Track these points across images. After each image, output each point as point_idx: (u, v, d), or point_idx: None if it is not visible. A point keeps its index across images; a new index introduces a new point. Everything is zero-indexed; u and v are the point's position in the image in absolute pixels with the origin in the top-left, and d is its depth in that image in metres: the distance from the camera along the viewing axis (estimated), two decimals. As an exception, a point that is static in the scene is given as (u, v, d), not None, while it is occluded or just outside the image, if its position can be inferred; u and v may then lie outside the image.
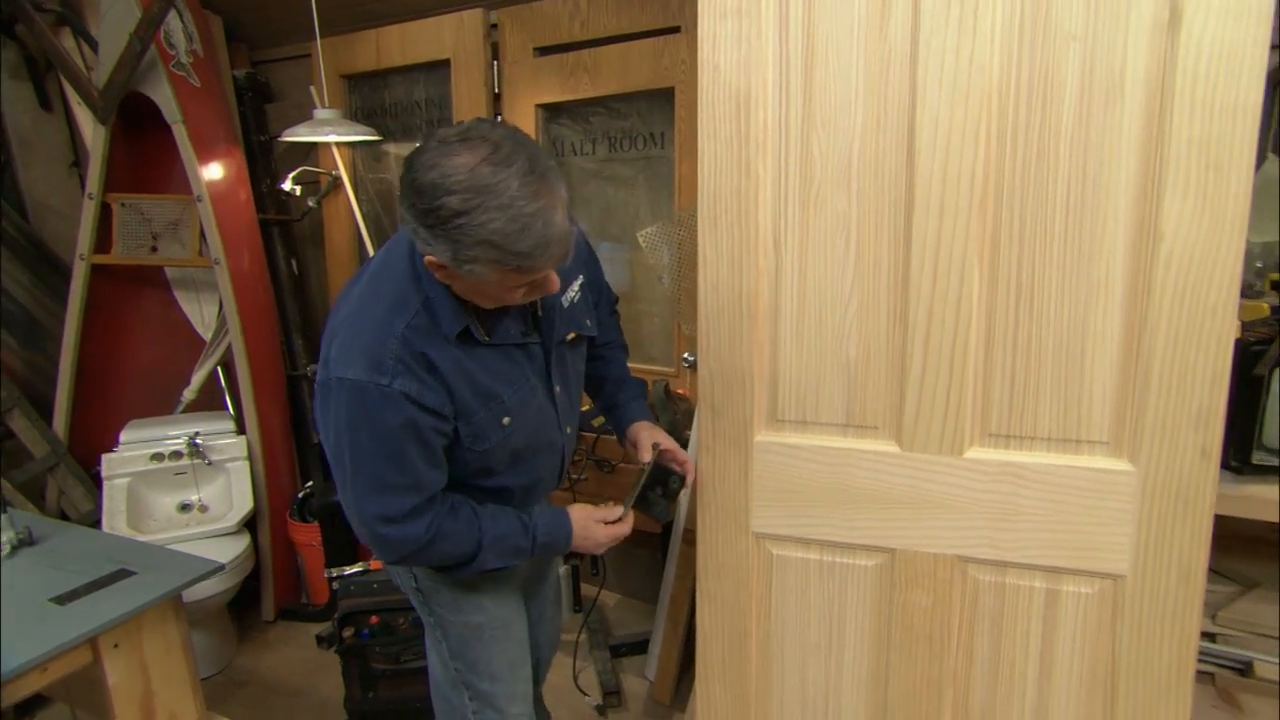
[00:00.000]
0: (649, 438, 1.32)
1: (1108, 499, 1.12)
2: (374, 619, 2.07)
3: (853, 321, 1.21)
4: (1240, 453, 1.37)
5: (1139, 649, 1.15)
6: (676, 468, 1.30)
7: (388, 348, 1.06)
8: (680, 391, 2.31)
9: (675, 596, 2.16)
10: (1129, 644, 1.15)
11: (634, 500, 1.29)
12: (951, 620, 1.23)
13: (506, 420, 1.21)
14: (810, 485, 1.27)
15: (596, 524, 1.26)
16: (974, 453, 1.18)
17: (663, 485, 1.30)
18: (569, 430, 1.36)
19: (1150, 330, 1.06)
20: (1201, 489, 1.08)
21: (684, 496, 2.04)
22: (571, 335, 1.30)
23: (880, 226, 1.16)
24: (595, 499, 2.27)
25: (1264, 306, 1.41)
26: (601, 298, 1.42)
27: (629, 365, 1.49)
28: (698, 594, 1.38)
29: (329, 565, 2.20)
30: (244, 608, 2.69)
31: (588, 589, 2.65)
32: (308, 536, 2.65)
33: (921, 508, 1.21)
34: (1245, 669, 1.50)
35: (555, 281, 1.07)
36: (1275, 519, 1.31)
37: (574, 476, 2.14)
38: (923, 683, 1.27)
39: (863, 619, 1.29)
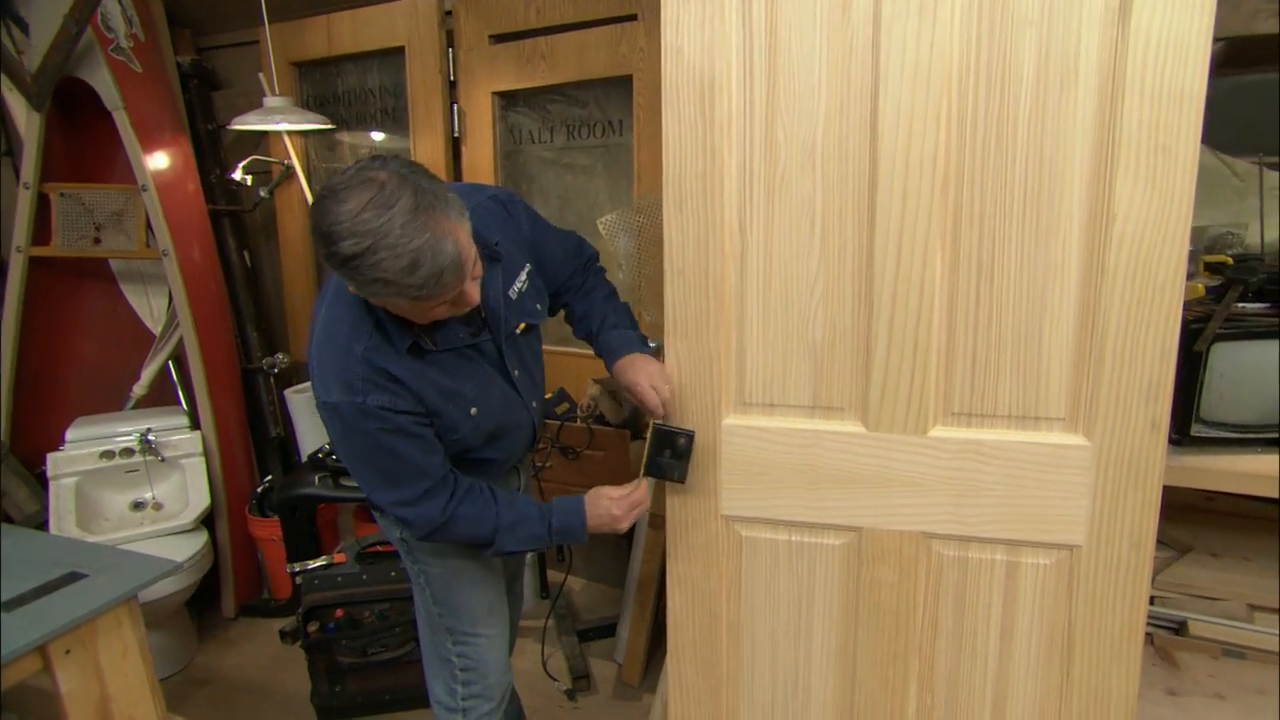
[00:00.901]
0: (637, 381, 1.27)
1: (1064, 473, 1.14)
2: (339, 612, 2.01)
3: (819, 304, 1.20)
4: (1180, 426, 1.41)
5: (1093, 616, 1.17)
6: (681, 427, 1.27)
7: (353, 371, 1.13)
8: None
9: (643, 580, 2.15)
10: (1084, 611, 1.18)
11: (646, 468, 1.28)
12: (917, 595, 1.24)
13: (474, 411, 1.25)
14: (779, 467, 1.26)
15: (609, 499, 1.29)
16: (938, 431, 1.19)
17: (670, 447, 1.27)
18: (534, 404, 1.40)
19: (1104, 308, 1.07)
20: (1151, 460, 1.11)
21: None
22: (522, 326, 1.29)
23: (845, 210, 1.15)
24: (561, 487, 2.23)
25: (1199, 287, 1.44)
26: (563, 267, 1.40)
27: (619, 304, 1.44)
28: (668, 578, 1.37)
29: (290, 560, 2.13)
30: (204, 605, 2.59)
31: (555, 575, 2.62)
32: (268, 531, 2.56)
33: (887, 486, 1.22)
34: (1180, 628, 1.55)
35: (472, 296, 1.11)
36: (1211, 488, 1.35)
37: (539, 465, 2.11)
38: (889, 656, 1.27)
39: (831, 597, 1.29)
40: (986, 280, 1.12)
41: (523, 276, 1.31)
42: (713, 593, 1.34)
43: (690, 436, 1.27)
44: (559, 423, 2.12)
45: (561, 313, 1.49)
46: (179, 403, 2.69)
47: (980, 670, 1.24)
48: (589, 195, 2.53)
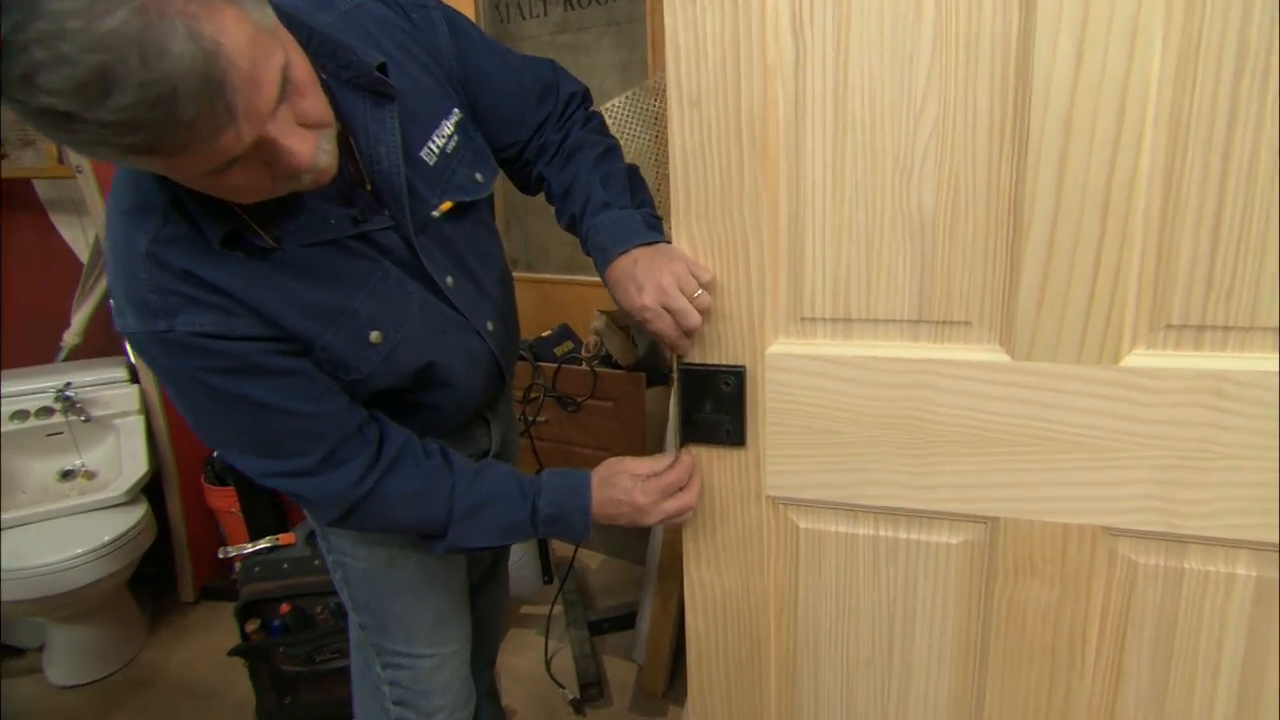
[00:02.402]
0: (641, 300, 0.77)
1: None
2: (285, 607, 1.62)
3: (928, 146, 0.71)
4: None
5: None
6: (722, 363, 0.82)
7: (141, 280, 0.70)
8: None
9: (665, 564, 1.71)
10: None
11: (682, 433, 0.84)
12: (1089, 627, 0.77)
13: (375, 337, 0.80)
14: (859, 421, 0.79)
15: (631, 477, 0.84)
16: (1138, 358, 0.70)
17: (710, 396, 0.82)
18: (492, 326, 0.93)
19: None
20: None
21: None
22: (447, 204, 0.84)
23: (983, -36, 0.65)
24: (557, 448, 1.79)
25: None
26: (524, 114, 0.92)
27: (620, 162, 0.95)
28: (686, 590, 0.92)
29: (253, 534, 1.74)
30: (160, 588, 2.26)
31: (563, 549, 2.21)
32: (226, 502, 2.19)
33: (1044, 451, 0.74)
34: None
35: (297, 152, 0.61)
36: None
37: (530, 419, 1.66)
38: (1039, 718, 0.81)
39: (944, 624, 0.83)
40: (1255, 83, 0.61)
41: (446, 128, 0.85)
42: (754, 612, 0.89)
43: (739, 375, 0.81)
44: (556, 365, 1.66)
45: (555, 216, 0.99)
46: (125, 354, 2.32)
47: (1193, 746, 0.77)
48: (593, 79, 2.04)
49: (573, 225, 0.92)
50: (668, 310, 0.78)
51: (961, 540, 0.80)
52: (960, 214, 0.72)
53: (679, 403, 0.85)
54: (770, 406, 0.82)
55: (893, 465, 0.79)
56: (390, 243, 0.80)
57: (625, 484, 0.84)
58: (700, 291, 0.78)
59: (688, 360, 0.84)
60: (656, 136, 1.82)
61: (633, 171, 0.92)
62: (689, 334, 0.81)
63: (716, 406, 0.83)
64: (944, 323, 0.75)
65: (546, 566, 2.00)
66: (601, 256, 0.85)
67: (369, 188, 0.77)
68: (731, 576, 0.89)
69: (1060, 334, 0.71)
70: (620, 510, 0.84)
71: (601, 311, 1.77)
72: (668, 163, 0.80)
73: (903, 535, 0.82)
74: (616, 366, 1.66)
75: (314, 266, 0.74)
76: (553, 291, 2.19)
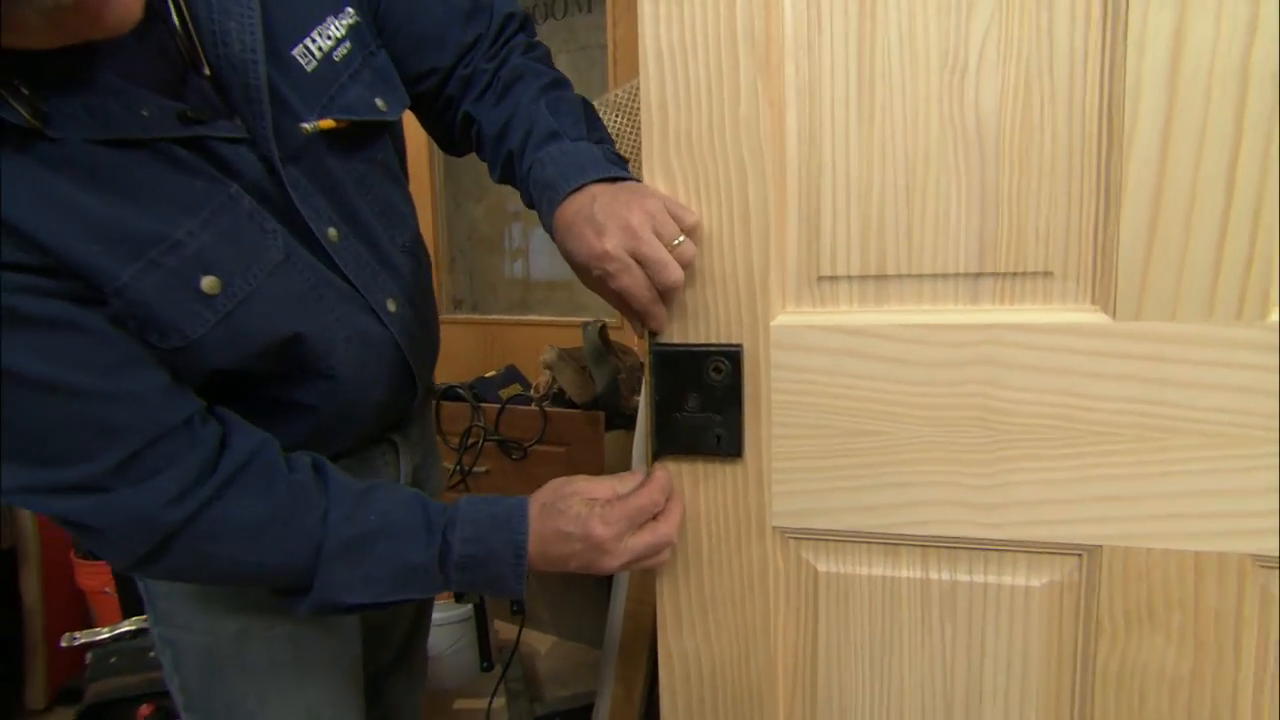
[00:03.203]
0: (603, 246, 0.57)
1: None
2: (145, 709, 1.30)
3: (987, 35, 0.54)
4: None
5: None
6: (712, 343, 0.61)
7: None
8: (623, 342, 1.61)
9: (628, 640, 1.45)
10: None
11: (656, 441, 0.62)
12: (1239, 701, 0.55)
13: (210, 284, 0.56)
14: (898, 416, 0.58)
15: (588, 504, 0.60)
16: (1290, 313, 0.51)
17: (696, 387, 0.61)
18: (394, 306, 0.70)
19: None
20: None
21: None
22: (328, 123, 0.63)
23: None
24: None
25: None
26: (445, 34, 0.73)
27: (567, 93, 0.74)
28: (661, 664, 0.68)
29: (70, 630, 1.42)
30: (4, 690, 1.88)
31: (505, 628, 1.90)
32: (100, 579, 1.85)
33: (1163, 449, 0.54)
34: None
35: None
36: None
37: (466, 469, 1.41)
38: (1163, 840, 0.58)
39: (1022, 703, 0.60)
40: None
41: (335, 29, 0.65)
42: (756, 691, 0.65)
43: (734, 358, 0.61)
44: (499, 405, 1.43)
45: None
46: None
47: None
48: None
49: (509, 168, 0.71)
50: (638, 260, 0.57)
51: (1046, 582, 0.58)
52: (1033, 125, 0.54)
53: (651, 399, 0.63)
54: (777, 401, 0.61)
55: (948, 478, 0.58)
56: (242, 162, 0.58)
57: (577, 510, 0.61)
58: (682, 239, 0.58)
59: (664, 339, 0.63)
60: (620, 153, 1.66)
61: (588, 105, 0.73)
62: (665, 296, 0.60)
63: (703, 402, 0.62)
64: (1015, 275, 0.56)
65: (485, 649, 1.70)
66: (548, 196, 0.64)
67: (208, 75, 0.56)
68: (724, 643, 0.66)
69: (1182, 282, 0.52)
70: (570, 548, 0.61)
71: (552, 345, 1.55)
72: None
73: (963, 578, 0.60)
74: (570, 405, 1.44)
75: (112, 173, 0.51)
76: (501, 334, 1.98)
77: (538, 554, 0.62)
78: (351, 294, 0.66)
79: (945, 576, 0.60)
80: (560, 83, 0.74)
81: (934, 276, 0.57)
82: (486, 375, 1.63)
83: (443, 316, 2.15)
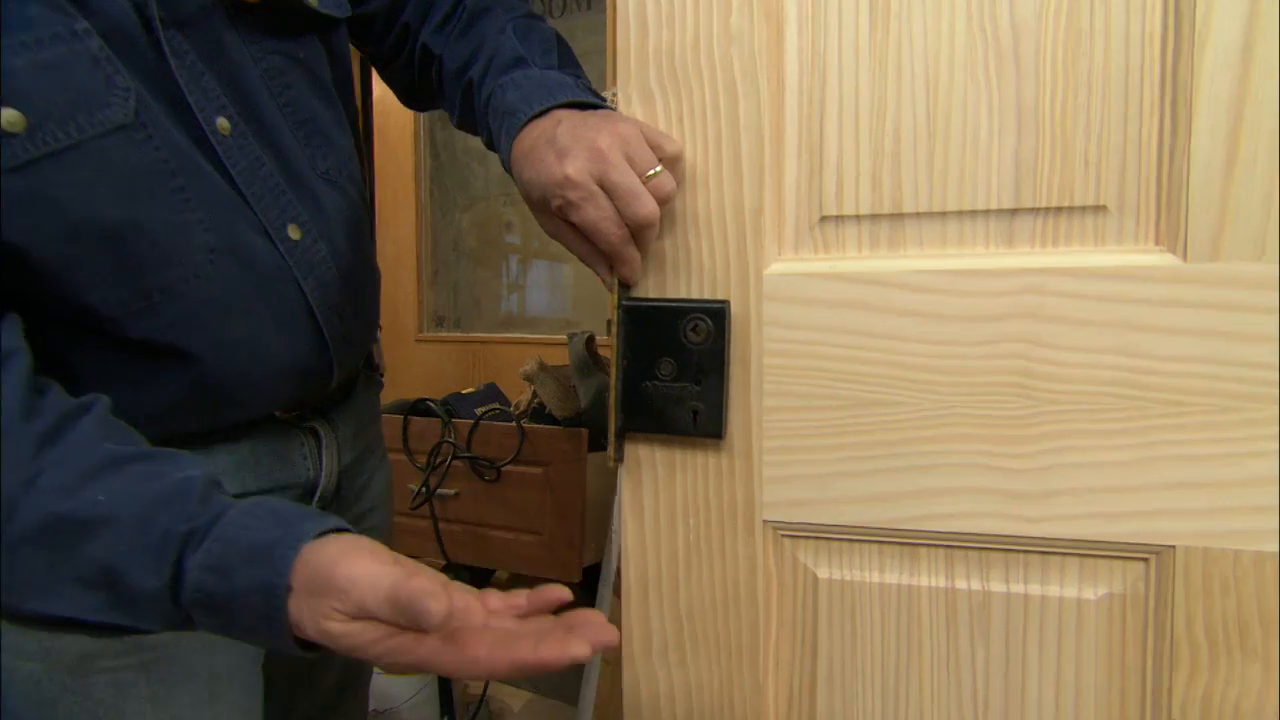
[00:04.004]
0: (564, 171, 0.48)
1: None
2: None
3: (1029, -79, 0.46)
4: None
5: None
6: (690, 299, 0.53)
7: None
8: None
9: (605, 697, 1.31)
10: None
11: (618, 418, 0.54)
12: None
13: (10, 118, 0.45)
14: (919, 383, 0.49)
15: (369, 571, 0.42)
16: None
17: (672, 353, 0.52)
18: (298, 234, 0.59)
19: None
20: None
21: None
22: None
23: None
24: (471, 530, 1.40)
25: None
26: None
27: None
28: (625, 699, 0.56)
29: None
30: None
31: (475, 684, 1.76)
32: None
33: (1251, 421, 0.44)
34: None
35: None
36: None
37: (430, 489, 1.30)
38: None
39: (1075, 752, 0.48)
40: None
41: None
42: (740, 734, 0.54)
43: (718, 316, 0.52)
44: (473, 420, 1.33)
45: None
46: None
47: None
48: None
49: (468, 100, 0.63)
50: (605, 190, 0.49)
51: (1104, 593, 0.47)
52: (1081, 27, 0.45)
53: (618, 364, 0.54)
54: (770, 366, 0.51)
55: (979, 459, 0.48)
56: (106, 3, 0.48)
57: (333, 606, 0.42)
58: (659, 168, 0.50)
59: (635, 294, 0.54)
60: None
61: (563, 41, 0.65)
62: (639, 238, 0.51)
63: (680, 369, 0.52)
64: (1059, 210, 0.47)
65: (448, 704, 1.56)
66: (509, 124, 0.56)
67: None
68: (703, 667, 0.54)
69: (1272, 214, 0.43)
70: (321, 625, 0.43)
71: (535, 358, 1.46)
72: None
73: (999, 588, 0.49)
74: (552, 421, 1.33)
75: None
76: (484, 353, 1.89)
77: (307, 611, 0.42)
78: (235, 202, 0.55)
79: (976, 586, 0.49)
80: (534, 15, 0.66)
81: (961, 214, 0.48)
82: (463, 391, 1.53)
83: (423, 334, 2.06)
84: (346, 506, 0.70)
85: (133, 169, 0.49)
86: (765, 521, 0.53)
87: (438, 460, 1.31)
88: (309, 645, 0.44)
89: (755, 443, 0.52)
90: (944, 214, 0.49)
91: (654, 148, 0.50)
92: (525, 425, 1.31)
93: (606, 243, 0.50)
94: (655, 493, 0.55)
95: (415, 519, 1.35)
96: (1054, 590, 0.48)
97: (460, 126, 0.67)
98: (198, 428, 0.57)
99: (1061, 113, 0.46)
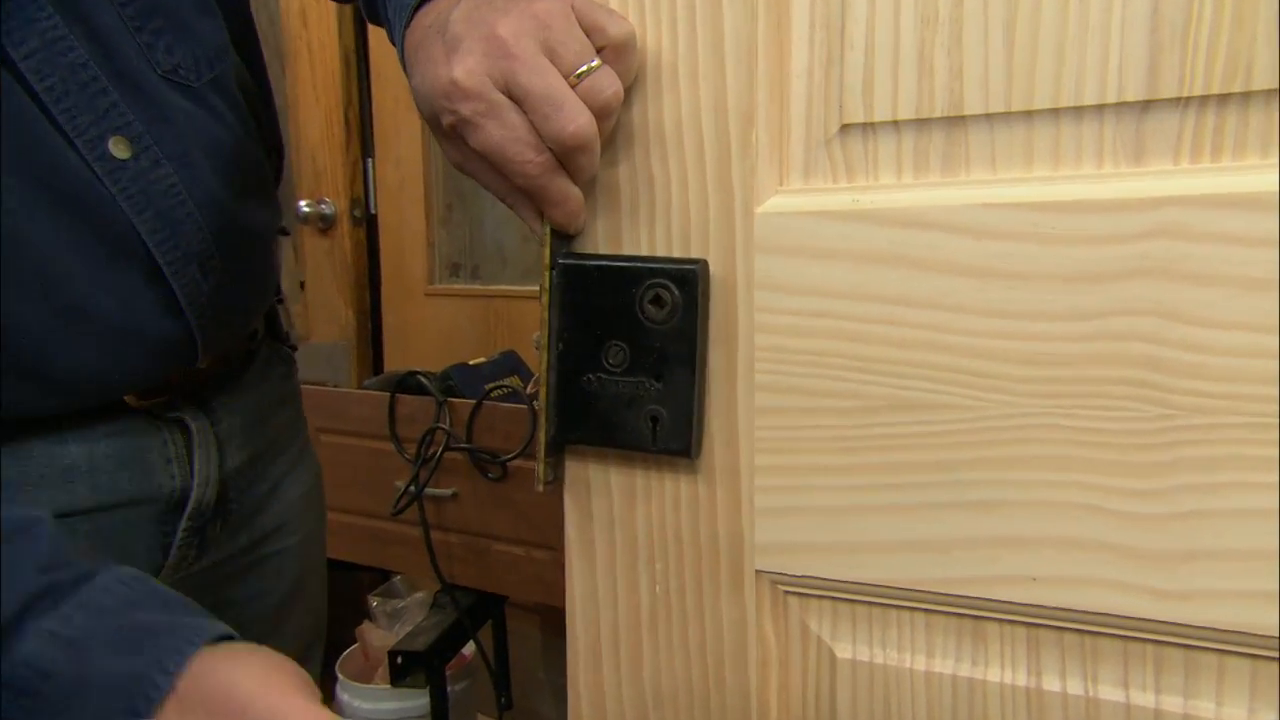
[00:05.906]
0: (449, 71, 0.35)
1: None
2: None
3: None
4: None
5: None
6: (657, 258, 0.39)
7: None
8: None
9: None
10: None
11: (556, 422, 0.42)
12: None
13: None
14: (985, 376, 0.33)
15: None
16: None
17: (623, 335, 0.38)
18: (125, 153, 0.45)
19: None
20: None
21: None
22: None
23: None
24: (471, 540, 1.25)
25: None
26: None
27: None
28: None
29: None
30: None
31: None
32: None
33: None
34: None
35: None
36: None
37: (418, 488, 1.17)
38: None
39: None
40: None
41: None
42: None
43: (687, 281, 0.37)
44: (474, 402, 1.21)
45: None
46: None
47: None
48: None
49: None
50: (513, 98, 0.35)
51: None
52: None
53: (550, 348, 0.40)
54: (764, 349, 0.37)
55: (1077, 496, 0.32)
56: None
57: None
58: (594, 62, 0.35)
59: (577, 247, 0.40)
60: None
61: None
62: (570, 165, 0.37)
63: (634, 356, 0.38)
64: (1228, 99, 0.30)
65: None
66: (402, 13, 0.42)
67: None
68: (670, 772, 0.41)
69: None
70: None
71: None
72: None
73: (1111, 695, 0.34)
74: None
75: None
76: (505, 310, 1.71)
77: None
78: (24, 100, 0.42)
79: (1076, 689, 0.34)
80: None
81: (1058, 113, 0.32)
82: (471, 362, 1.39)
83: (434, 286, 1.89)
84: (238, 526, 0.58)
85: None
86: (759, 571, 0.38)
87: (428, 451, 1.18)
88: None
89: (743, 460, 0.38)
90: (1029, 114, 0.33)
91: (591, 31, 0.36)
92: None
93: (521, 174, 0.36)
94: (610, 528, 0.41)
95: (404, 525, 1.21)
96: (1205, 709, 0.32)
97: (369, 19, 0.54)
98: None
99: (1231, -60, 0.29)
